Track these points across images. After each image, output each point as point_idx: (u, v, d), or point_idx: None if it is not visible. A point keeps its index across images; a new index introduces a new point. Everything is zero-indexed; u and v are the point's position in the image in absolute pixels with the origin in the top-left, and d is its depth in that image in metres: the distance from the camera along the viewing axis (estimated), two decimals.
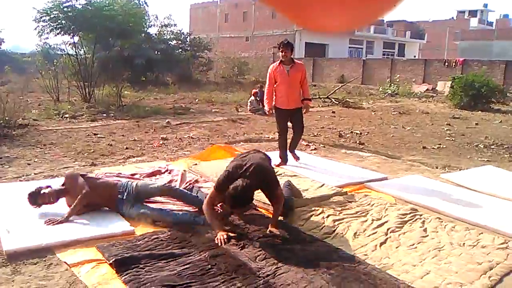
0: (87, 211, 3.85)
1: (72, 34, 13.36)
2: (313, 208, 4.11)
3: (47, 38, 13.86)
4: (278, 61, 5.98)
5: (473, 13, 58.52)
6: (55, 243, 3.26)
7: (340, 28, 0.62)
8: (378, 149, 7.71)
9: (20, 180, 5.06)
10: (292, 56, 5.96)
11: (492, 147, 8.15)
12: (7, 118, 8.17)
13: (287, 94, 5.89)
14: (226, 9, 44.24)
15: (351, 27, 0.60)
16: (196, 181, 5.03)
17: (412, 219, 3.97)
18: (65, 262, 3.01)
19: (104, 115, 10.62)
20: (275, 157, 6.48)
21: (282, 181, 5.03)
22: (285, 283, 2.76)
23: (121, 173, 5.03)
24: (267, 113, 6.39)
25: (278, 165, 5.86)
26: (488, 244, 3.49)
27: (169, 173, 5.28)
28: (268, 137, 8.50)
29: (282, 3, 0.59)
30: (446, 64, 24.29)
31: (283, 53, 5.79)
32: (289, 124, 6.16)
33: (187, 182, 4.90)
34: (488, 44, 38.97)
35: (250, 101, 12.55)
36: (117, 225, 3.64)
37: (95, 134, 8.19)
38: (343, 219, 3.94)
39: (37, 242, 3.25)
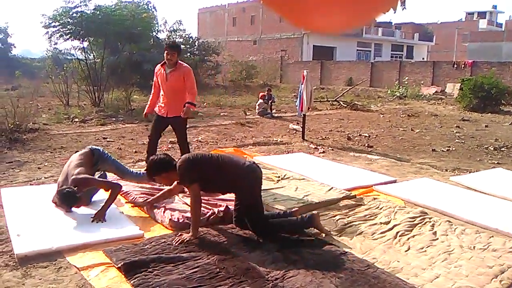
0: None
1: (81, 39, 13.50)
2: (321, 212, 4.10)
3: (57, 43, 14.03)
4: (162, 62, 5.24)
5: (482, 15, 58.10)
6: (65, 247, 3.29)
7: (339, 28, 0.62)
8: (386, 152, 7.68)
9: (30, 184, 5.11)
10: (178, 59, 5.16)
11: (502, 149, 8.07)
12: (17, 122, 8.28)
13: (164, 101, 5.26)
14: (234, 13, 44.38)
15: (349, 26, 0.60)
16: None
17: (421, 222, 3.94)
18: (74, 266, 3.04)
19: (113, 119, 10.70)
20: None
21: (291, 184, 5.04)
22: (294, 287, 2.75)
23: None
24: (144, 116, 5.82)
25: None
26: (499, 247, 3.46)
27: None
28: (277, 140, 8.50)
29: (283, 6, 0.59)
30: (455, 66, 24.11)
31: (168, 56, 5.03)
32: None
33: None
34: (498, 45, 38.65)
35: (258, 104, 12.57)
36: (127, 229, 3.66)
37: (104, 138, 8.26)
38: (351, 222, 3.92)
39: (47, 245, 3.27)
